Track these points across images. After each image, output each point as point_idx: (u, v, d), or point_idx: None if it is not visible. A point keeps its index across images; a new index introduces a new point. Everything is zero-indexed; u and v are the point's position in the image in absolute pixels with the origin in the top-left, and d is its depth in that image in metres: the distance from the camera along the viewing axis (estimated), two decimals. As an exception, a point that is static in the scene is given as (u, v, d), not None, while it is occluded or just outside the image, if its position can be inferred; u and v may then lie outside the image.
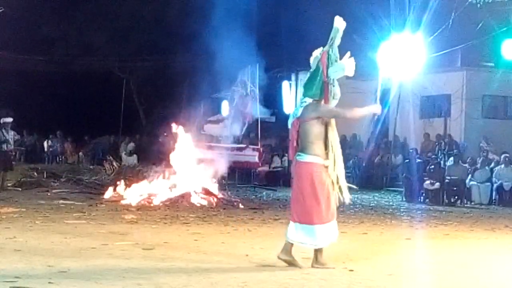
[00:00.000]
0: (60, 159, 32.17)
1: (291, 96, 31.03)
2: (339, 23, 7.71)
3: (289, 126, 7.66)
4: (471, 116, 24.24)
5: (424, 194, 19.08)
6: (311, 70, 7.63)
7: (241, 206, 15.23)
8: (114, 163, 19.45)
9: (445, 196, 18.87)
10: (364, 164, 23.59)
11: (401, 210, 16.53)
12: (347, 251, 9.08)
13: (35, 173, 19.13)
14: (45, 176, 18.88)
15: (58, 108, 35.34)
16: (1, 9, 27.55)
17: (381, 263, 8.29)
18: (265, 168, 24.44)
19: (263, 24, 22.93)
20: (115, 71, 34.93)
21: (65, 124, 33.41)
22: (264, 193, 19.86)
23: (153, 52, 33.15)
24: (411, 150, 22.02)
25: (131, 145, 27.00)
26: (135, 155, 24.12)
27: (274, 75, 29.63)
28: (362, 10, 23.56)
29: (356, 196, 19.98)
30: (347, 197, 7.77)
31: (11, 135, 17.85)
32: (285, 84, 30.96)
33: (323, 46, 7.65)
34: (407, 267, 8.21)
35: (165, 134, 23.10)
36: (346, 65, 7.54)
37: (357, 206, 16.93)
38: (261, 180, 23.53)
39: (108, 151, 27.71)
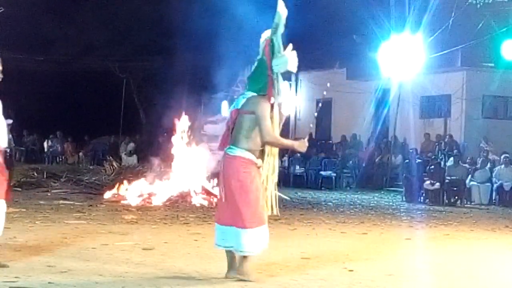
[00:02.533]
0: (60, 159, 32.17)
1: (291, 96, 31.06)
2: (282, 8, 7.00)
3: (227, 117, 7.07)
4: (471, 116, 24.25)
5: (424, 194, 19.08)
6: (258, 58, 6.98)
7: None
8: (114, 163, 19.44)
9: (445, 196, 18.87)
10: (364, 164, 23.58)
11: (401, 210, 16.52)
12: (347, 251, 9.09)
13: (35, 173, 19.11)
14: (45, 176, 18.85)
15: (58, 108, 35.35)
16: (1, 9, 27.56)
17: (381, 263, 8.29)
18: (265, 168, 24.42)
19: (262, 24, 22.90)
20: (115, 71, 34.93)
21: (65, 124, 33.40)
22: (264, 193, 19.83)
23: (153, 52, 33.15)
24: (411, 150, 22.03)
25: (131, 145, 27.02)
26: (135, 155, 24.11)
27: (273, 75, 29.63)
28: (362, 11, 23.57)
29: (356, 196, 20.05)
30: (275, 209, 7.15)
31: (9, 137, 17.98)
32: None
33: (271, 33, 6.93)
34: (407, 268, 8.20)
35: (165, 134, 23.10)
36: (289, 59, 6.88)
37: (357, 206, 16.94)
38: (261, 180, 23.51)
39: (108, 151, 27.72)
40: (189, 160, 16.38)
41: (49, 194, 16.33)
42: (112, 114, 34.21)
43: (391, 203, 18.41)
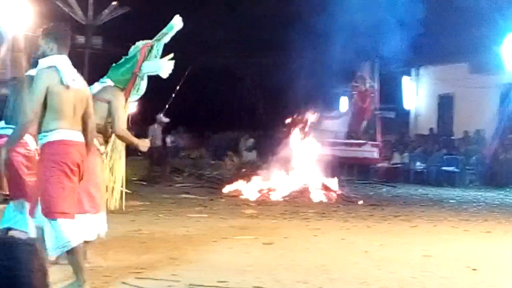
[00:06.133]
0: (183, 154, 32.90)
1: (412, 92, 30.55)
2: (177, 22, 7.21)
3: None
4: None
5: (552, 193, 18.34)
6: (127, 56, 7.14)
7: (360, 202, 15.11)
8: (234, 159, 19.74)
9: None
10: (488, 161, 22.89)
11: (528, 208, 15.93)
12: (470, 249, 8.88)
13: (159, 168, 19.64)
14: (168, 170, 19.35)
15: (180, 104, 36.13)
16: (127, 8, 28.47)
17: (506, 263, 8.04)
18: (385, 164, 24.14)
19: (383, 18, 22.63)
20: (235, 68, 35.42)
21: (187, 120, 34.15)
22: (384, 189, 19.62)
23: (272, 48, 33.35)
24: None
25: (251, 141, 27.31)
26: (254, 151, 24.36)
27: (394, 70, 29.23)
28: (486, 2, 22.88)
29: (479, 193, 19.48)
30: (116, 203, 7.14)
31: (159, 132, 19.24)
32: (405, 79, 30.51)
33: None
34: (533, 268, 7.92)
35: (284, 129, 23.24)
36: (164, 66, 7.05)
37: (481, 203, 16.47)
38: (381, 176, 23.26)
39: (229, 147, 28.14)
40: (308, 155, 16.41)
41: (172, 188, 16.74)
42: (232, 110, 34.68)
43: (516, 201, 17.79)
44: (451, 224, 11.83)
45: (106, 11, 28.95)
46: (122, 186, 7.23)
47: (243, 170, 17.97)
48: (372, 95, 24.22)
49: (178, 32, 7.34)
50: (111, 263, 6.99)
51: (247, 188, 15.68)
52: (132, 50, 7.16)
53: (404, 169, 24.20)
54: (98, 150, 6.71)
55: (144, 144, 7.13)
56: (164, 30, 7.19)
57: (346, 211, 13.27)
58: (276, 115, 29.76)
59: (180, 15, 7.38)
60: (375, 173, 23.33)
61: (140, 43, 7.17)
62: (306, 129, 17.14)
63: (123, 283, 6.18)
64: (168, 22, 7.38)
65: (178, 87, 7.76)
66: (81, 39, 29.68)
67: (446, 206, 15.46)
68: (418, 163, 24.08)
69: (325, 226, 10.94)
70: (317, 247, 8.64)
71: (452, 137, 27.11)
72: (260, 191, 15.44)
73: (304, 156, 16.43)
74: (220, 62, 34.23)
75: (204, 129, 34.12)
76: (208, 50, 34.27)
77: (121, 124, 6.76)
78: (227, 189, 15.96)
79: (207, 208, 12.87)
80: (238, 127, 33.77)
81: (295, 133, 17.07)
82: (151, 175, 18.38)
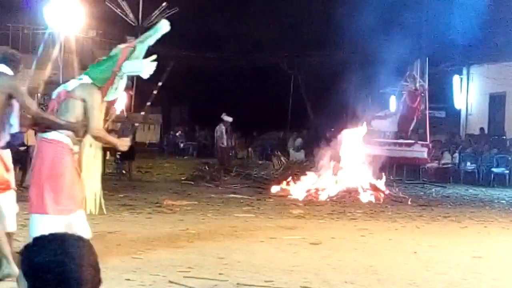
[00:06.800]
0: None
1: (462, 91, 30.18)
2: (164, 26, 6.97)
3: (53, 96, 6.70)
4: None
5: None
6: (112, 53, 6.93)
7: (409, 202, 14.98)
8: (282, 159, 19.70)
9: None
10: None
11: None
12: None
13: (207, 167, 19.70)
14: (221, 172, 19.40)
15: (228, 104, 36.27)
16: (176, 9, 28.73)
17: (559, 265, 7.89)
18: (435, 164, 23.87)
19: (433, 16, 22.41)
20: (283, 67, 35.41)
21: (234, 119, 34.28)
22: (433, 189, 19.40)
23: (321, 47, 33.29)
24: None
25: (299, 141, 27.28)
26: (302, 151, 24.30)
27: (444, 69, 28.90)
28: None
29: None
30: (92, 206, 6.71)
31: (224, 131, 19.32)
32: (455, 78, 30.15)
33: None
34: None
35: (332, 129, 23.16)
36: (145, 67, 6.80)
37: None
38: (430, 177, 23.00)
39: (276, 147, 28.14)
40: (356, 156, 16.32)
41: (220, 188, 16.80)
42: (280, 110, 34.67)
43: None
44: (502, 225, 11.65)
45: (156, 12, 29.25)
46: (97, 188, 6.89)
47: (291, 170, 17.91)
48: (422, 94, 23.95)
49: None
50: (159, 262, 7.05)
51: (295, 188, 15.66)
52: (115, 50, 7.02)
53: (454, 169, 23.89)
54: (71, 149, 6.47)
55: (123, 143, 6.93)
56: (149, 32, 7.07)
57: (395, 212, 13.16)
58: (324, 114, 29.71)
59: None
60: (425, 173, 23.09)
61: (122, 45, 7.09)
62: (355, 129, 17.03)
63: (171, 282, 6.22)
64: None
65: (160, 83, 7.50)
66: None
67: (497, 207, 15.23)
68: (468, 163, 23.76)
69: (373, 226, 10.87)
70: (365, 248, 8.59)
71: (504, 137, 26.69)
72: (308, 191, 15.40)
73: (353, 156, 16.34)
74: (269, 61, 34.29)
75: (252, 129, 34.18)
76: (256, 50, 34.36)
77: (96, 124, 6.49)
78: (274, 189, 15.95)
79: (255, 208, 12.88)
80: (286, 126, 33.78)
81: (344, 133, 16.97)
82: (210, 175, 18.47)
